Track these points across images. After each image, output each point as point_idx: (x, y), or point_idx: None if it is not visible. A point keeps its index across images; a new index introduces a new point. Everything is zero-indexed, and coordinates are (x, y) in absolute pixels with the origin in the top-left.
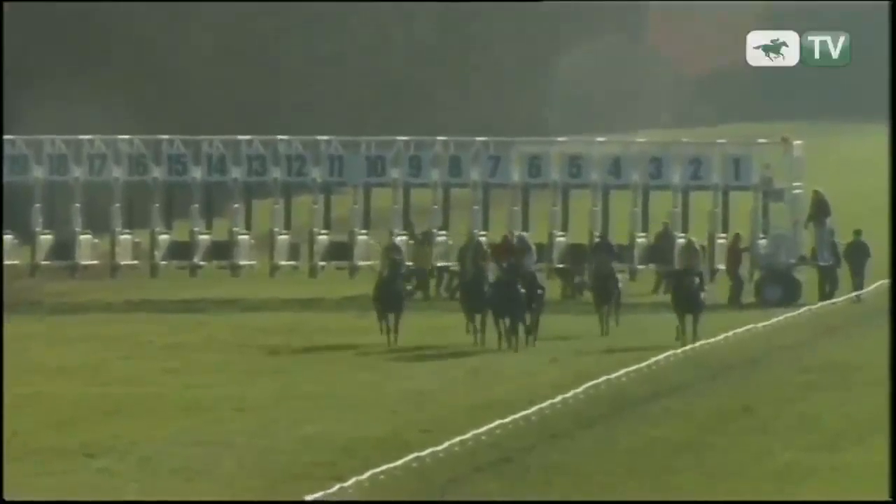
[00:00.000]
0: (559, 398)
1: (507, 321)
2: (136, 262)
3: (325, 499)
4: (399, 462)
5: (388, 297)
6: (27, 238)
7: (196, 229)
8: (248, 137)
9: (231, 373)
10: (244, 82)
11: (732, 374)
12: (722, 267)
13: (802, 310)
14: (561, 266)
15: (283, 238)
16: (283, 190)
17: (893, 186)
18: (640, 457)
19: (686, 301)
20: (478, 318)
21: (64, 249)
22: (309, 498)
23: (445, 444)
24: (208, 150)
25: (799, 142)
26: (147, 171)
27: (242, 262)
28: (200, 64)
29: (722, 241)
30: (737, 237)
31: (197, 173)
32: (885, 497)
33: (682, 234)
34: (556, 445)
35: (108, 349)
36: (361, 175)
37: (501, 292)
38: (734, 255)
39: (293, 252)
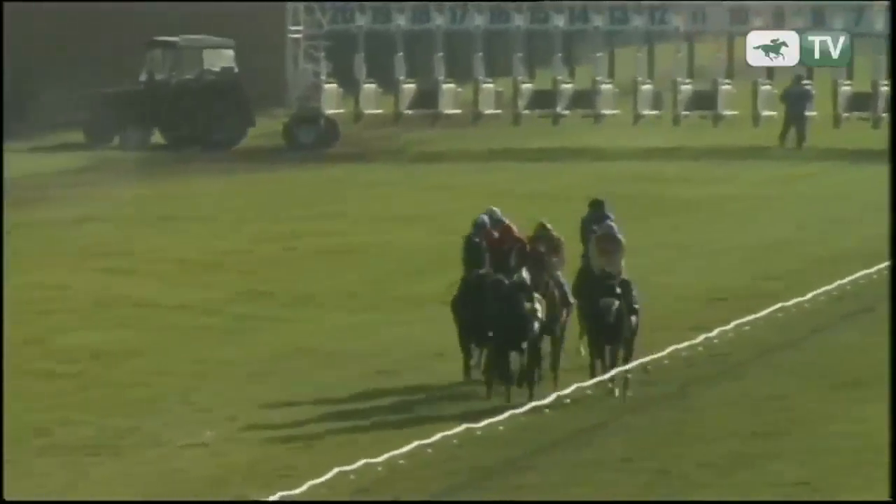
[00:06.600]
0: None
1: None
2: (498, 111)
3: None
4: (764, 312)
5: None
6: (390, 87)
7: (559, 78)
8: None
9: None
10: None
11: None
12: None
13: None
14: None
15: (645, 87)
16: (645, 38)
17: (893, 185)
18: None
19: (604, 328)
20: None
21: (426, 98)
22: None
23: (810, 294)
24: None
25: None
26: (508, 20)
27: (605, 111)
28: None
29: None
30: None
31: (559, 21)
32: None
33: None
34: None
35: (465, 198)
36: (724, 24)
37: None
38: None
39: (656, 101)
